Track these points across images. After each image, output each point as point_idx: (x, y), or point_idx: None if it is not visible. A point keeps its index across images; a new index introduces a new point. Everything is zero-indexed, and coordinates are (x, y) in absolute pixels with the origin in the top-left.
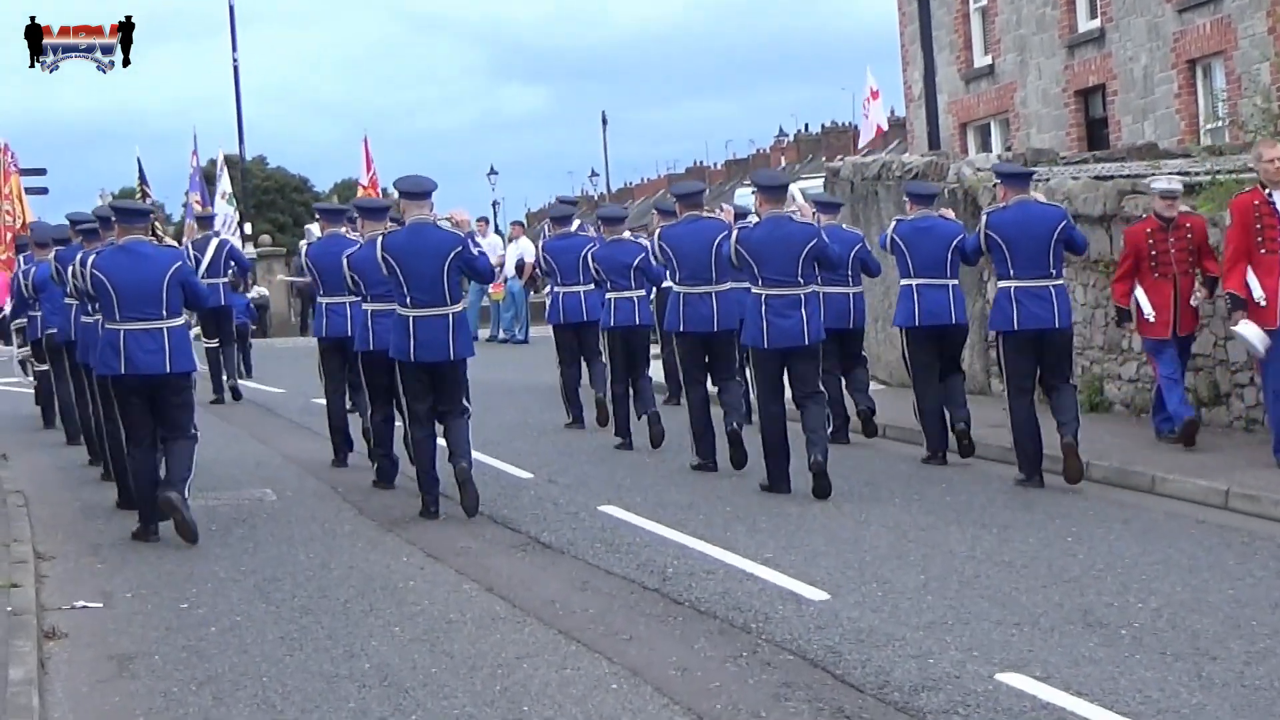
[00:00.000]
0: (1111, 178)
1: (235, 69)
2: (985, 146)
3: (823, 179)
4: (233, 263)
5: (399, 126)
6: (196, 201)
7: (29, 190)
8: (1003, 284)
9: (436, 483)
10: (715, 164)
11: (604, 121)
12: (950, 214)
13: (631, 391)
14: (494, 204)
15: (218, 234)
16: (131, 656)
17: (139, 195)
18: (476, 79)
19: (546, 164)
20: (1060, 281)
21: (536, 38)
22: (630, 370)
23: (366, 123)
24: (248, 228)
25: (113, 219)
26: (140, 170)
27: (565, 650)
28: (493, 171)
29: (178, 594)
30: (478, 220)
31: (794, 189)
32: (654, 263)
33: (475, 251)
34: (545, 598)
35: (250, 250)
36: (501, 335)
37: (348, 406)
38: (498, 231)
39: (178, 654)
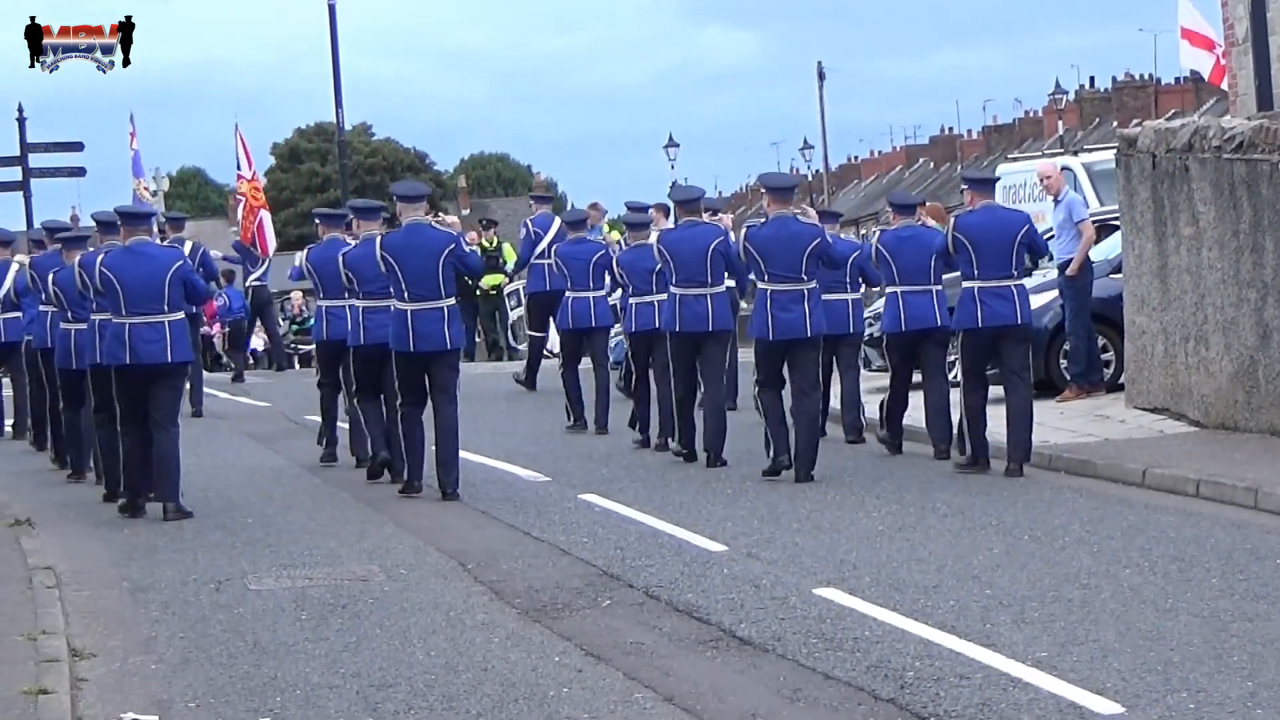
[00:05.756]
0: None
1: (331, 8)
2: None
3: (1114, 150)
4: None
5: (555, 84)
6: (145, 189)
7: (57, 171)
8: (967, 284)
9: (423, 461)
10: (970, 131)
11: (820, 75)
12: (933, 222)
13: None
14: (672, 186)
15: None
16: None
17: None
18: (665, 20)
19: (744, 132)
20: (1021, 282)
21: None
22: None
23: (508, 78)
24: None
25: (118, 223)
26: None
27: None
28: (672, 143)
29: (257, 704)
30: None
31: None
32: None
33: (466, 249)
34: (744, 711)
35: None
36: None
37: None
38: None
39: None
